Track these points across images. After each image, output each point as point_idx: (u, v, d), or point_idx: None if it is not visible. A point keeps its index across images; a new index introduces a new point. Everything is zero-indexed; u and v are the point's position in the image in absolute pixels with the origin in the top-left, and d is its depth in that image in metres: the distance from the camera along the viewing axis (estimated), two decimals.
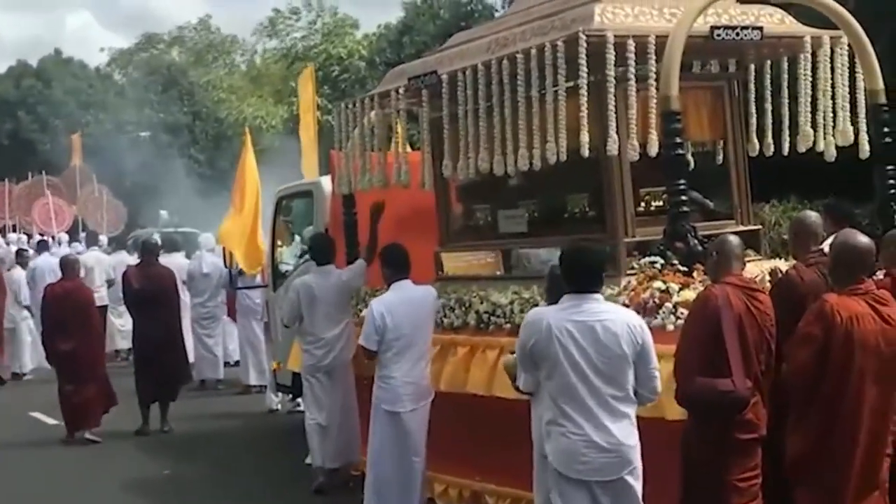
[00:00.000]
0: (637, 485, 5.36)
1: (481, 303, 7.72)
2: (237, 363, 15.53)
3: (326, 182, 10.55)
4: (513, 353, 6.34)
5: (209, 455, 10.83)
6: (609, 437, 5.26)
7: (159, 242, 13.92)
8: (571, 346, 5.25)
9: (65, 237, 23.34)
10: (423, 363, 7.68)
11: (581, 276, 5.42)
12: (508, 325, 7.42)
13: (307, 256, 11.31)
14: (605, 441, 5.25)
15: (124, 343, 16.87)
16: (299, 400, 10.91)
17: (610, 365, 5.27)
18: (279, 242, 12.07)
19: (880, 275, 6.45)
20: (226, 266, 13.31)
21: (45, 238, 21.86)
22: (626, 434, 5.31)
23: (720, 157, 8.10)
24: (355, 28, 37.75)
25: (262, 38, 44.23)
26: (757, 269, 6.92)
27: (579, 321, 5.28)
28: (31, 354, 16.67)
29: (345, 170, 9.29)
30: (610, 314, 5.39)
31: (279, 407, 12.69)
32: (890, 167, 7.51)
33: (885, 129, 7.52)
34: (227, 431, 12.18)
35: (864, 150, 7.63)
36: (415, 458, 7.62)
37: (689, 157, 8.23)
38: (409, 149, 9.53)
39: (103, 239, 21.49)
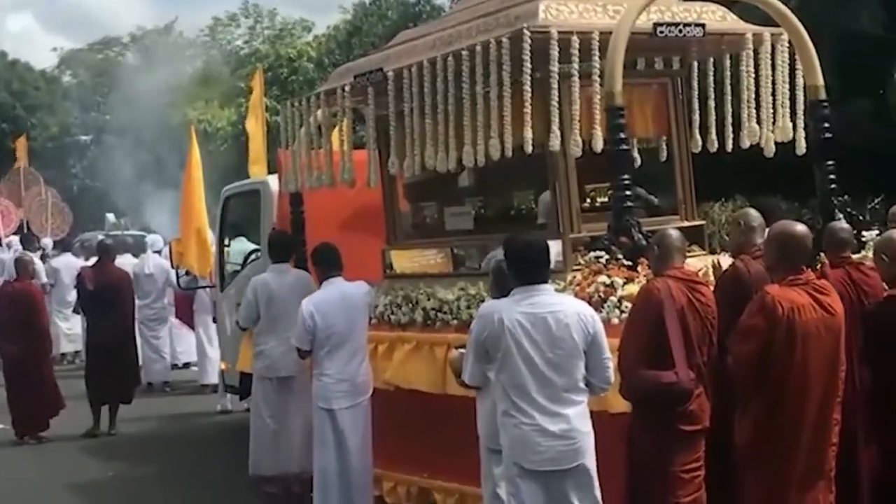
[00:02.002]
0: (593, 473, 5.41)
1: (428, 299, 7.73)
2: (186, 365, 15.45)
3: (273, 181, 10.51)
4: (458, 348, 6.38)
5: (156, 456, 10.76)
6: (562, 425, 5.30)
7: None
8: (524, 338, 5.28)
9: (14, 239, 23.02)
10: (357, 360, 7.66)
11: (529, 267, 5.45)
12: (455, 322, 7.44)
13: (255, 256, 11.30)
14: (558, 429, 5.29)
15: (70, 346, 16.71)
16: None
17: (562, 356, 5.31)
18: (226, 242, 12.00)
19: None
20: (172, 267, 13.21)
21: None
22: (580, 422, 5.36)
23: (664, 154, 8.17)
24: (308, 31, 37.68)
25: (204, 44, 44.10)
26: (700, 263, 6.98)
27: (531, 313, 5.32)
28: None
29: (291, 168, 9.26)
30: (561, 305, 5.44)
31: (230, 407, 12.62)
32: (829, 163, 7.61)
33: (825, 125, 7.62)
34: (174, 433, 12.12)
35: (801, 146, 7.75)
36: (354, 455, 7.58)
37: (635, 153, 8.32)
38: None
39: (47, 242, 21.20)
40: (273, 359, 8.67)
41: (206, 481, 9.60)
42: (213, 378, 13.84)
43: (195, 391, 14.34)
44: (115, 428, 11.88)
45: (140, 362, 13.46)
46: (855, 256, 6.67)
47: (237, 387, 11.14)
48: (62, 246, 20.45)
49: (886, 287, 5.87)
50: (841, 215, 7.40)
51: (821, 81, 7.64)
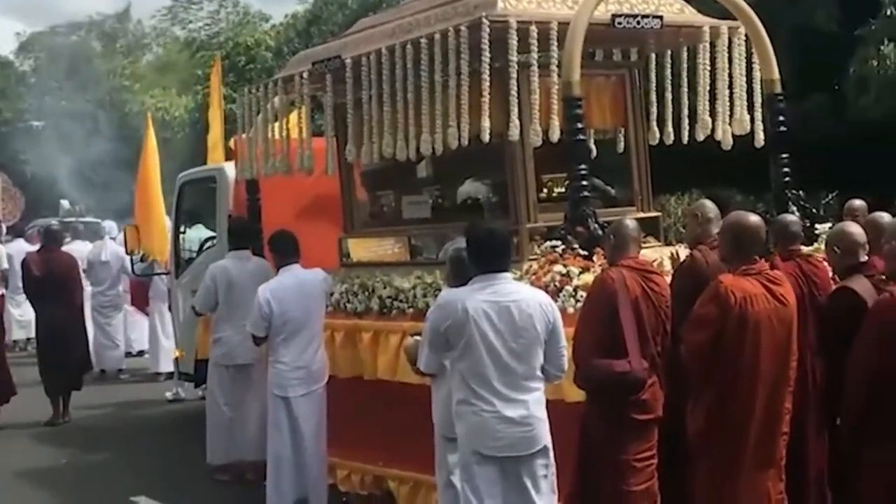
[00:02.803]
0: (550, 460, 5.43)
1: (384, 288, 7.71)
2: (140, 353, 15.33)
3: (230, 168, 10.45)
4: (413, 335, 6.37)
5: (109, 444, 10.69)
6: (521, 411, 5.31)
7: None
8: (487, 326, 5.28)
9: None
10: (313, 347, 7.65)
11: (490, 255, 5.44)
12: (411, 310, 7.43)
13: (210, 243, 11.23)
14: (517, 415, 5.30)
15: (22, 333, 16.54)
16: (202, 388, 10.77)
17: (524, 345, 5.33)
18: (182, 229, 11.92)
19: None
20: (127, 253, 13.11)
21: None
22: (537, 408, 5.39)
23: (622, 145, 8.20)
24: (265, 21, 37.47)
25: (162, 26, 43.76)
26: (656, 254, 7.02)
27: (494, 302, 5.32)
28: None
29: (248, 155, 9.21)
30: (522, 294, 5.45)
31: (184, 395, 12.54)
32: (784, 156, 7.69)
33: (781, 118, 7.69)
34: (128, 420, 12.05)
35: (759, 138, 7.81)
36: (308, 442, 7.57)
37: (592, 144, 8.35)
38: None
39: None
40: (231, 346, 8.66)
41: (159, 469, 9.55)
42: (166, 366, 13.75)
43: (149, 379, 14.23)
44: (68, 415, 11.79)
45: (92, 349, 13.36)
46: (807, 249, 6.74)
47: (192, 374, 11.08)
48: (14, 231, 20.23)
49: (838, 279, 5.92)
50: (794, 208, 7.49)
51: (777, 75, 7.71)
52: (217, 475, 8.85)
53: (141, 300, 14.81)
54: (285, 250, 7.79)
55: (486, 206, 7.93)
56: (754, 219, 5.46)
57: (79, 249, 14.76)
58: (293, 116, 9.00)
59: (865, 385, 4.74)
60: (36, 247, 14.08)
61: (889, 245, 4.90)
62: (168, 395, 12.71)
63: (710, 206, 6.47)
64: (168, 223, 12.44)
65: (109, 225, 15.23)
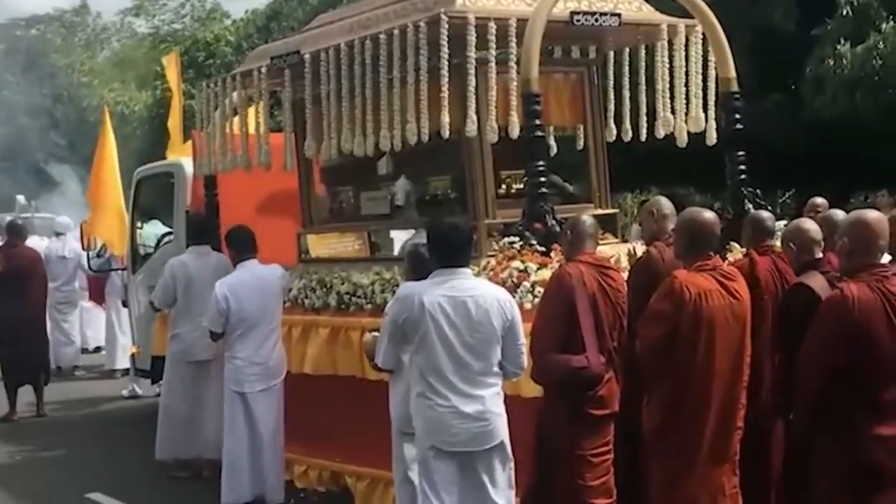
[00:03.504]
0: (507, 455, 5.44)
1: (342, 283, 7.70)
2: (97, 349, 15.21)
3: (188, 163, 10.38)
4: (371, 331, 6.37)
5: (65, 440, 10.60)
6: (477, 407, 5.31)
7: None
8: (443, 321, 5.28)
9: None
10: (270, 343, 7.63)
11: (450, 250, 5.44)
12: (370, 306, 7.42)
13: (167, 239, 11.16)
14: (473, 411, 5.30)
15: None
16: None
17: (480, 340, 5.33)
18: (139, 224, 11.83)
19: (739, 255, 6.68)
20: (84, 249, 12.99)
21: None
22: (494, 404, 5.39)
23: (580, 142, 8.23)
24: (226, 17, 37.26)
25: (127, 19, 43.34)
26: (613, 251, 7.06)
27: (451, 296, 5.32)
28: None
29: (206, 151, 9.16)
30: (480, 289, 5.45)
31: (140, 392, 12.46)
32: (740, 153, 7.74)
33: (737, 117, 7.75)
34: (84, 417, 11.96)
35: (712, 137, 7.87)
36: (265, 439, 7.55)
37: (551, 141, 8.39)
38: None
39: None
40: (189, 342, 8.61)
41: (115, 466, 9.47)
42: (123, 363, 13.64)
43: (105, 376, 14.14)
44: (42, 410, 11.76)
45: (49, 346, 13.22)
46: None
47: (148, 371, 11.00)
48: None
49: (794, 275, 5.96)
50: (751, 206, 7.55)
51: (733, 74, 7.76)
52: (174, 472, 8.79)
53: (99, 296, 14.69)
54: (242, 246, 7.76)
55: (446, 202, 7.93)
56: (709, 215, 5.49)
57: (35, 245, 14.59)
58: (252, 112, 8.96)
59: (816, 380, 4.77)
60: None
61: (841, 241, 4.94)
62: (124, 392, 12.63)
63: (665, 203, 6.49)
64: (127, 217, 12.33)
65: (63, 221, 15.05)
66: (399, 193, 8.10)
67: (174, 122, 12.91)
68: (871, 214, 5.06)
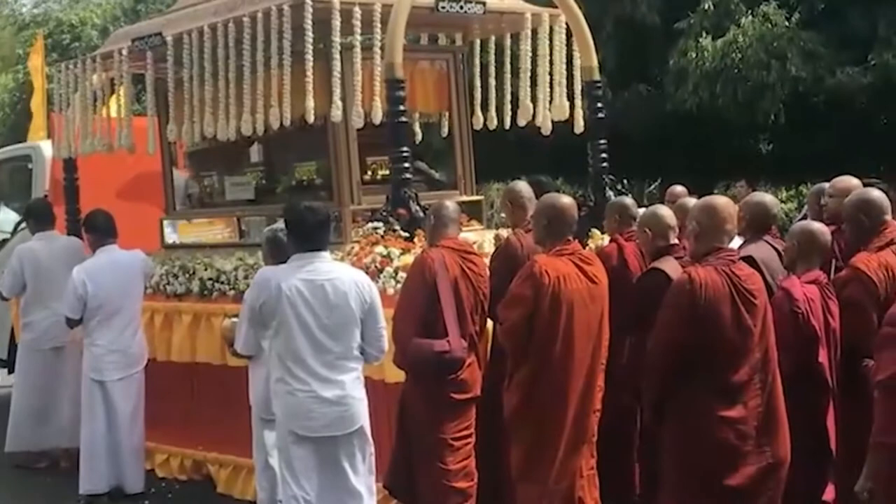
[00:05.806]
0: (367, 439, 5.44)
1: (205, 269, 7.61)
2: None
3: (46, 146, 10.12)
4: (230, 317, 6.31)
5: None
6: (337, 391, 5.31)
7: None
8: (301, 305, 5.26)
9: None
10: (130, 330, 7.50)
11: (308, 234, 5.41)
12: (233, 292, 7.36)
13: (25, 224, 10.83)
14: (333, 395, 5.29)
15: None
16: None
17: (338, 324, 5.32)
18: None
19: (600, 241, 6.80)
20: None
21: None
22: (354, 388, 5.39)
23: (446, 130, 8.27)
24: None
25: None
26: (478, 237, 7.13)
27: (308, 280, 5.30)
28: None
29: (65, 133, 8.93)
30: (338, 273, 5.44)
31: None
32: (602, 142, 7.88)
33: (599, 105, 7.88)
34: None
35: (579, 125, 7.99)
36: (124, 428, 7.42)
37: (417, 128, 8.41)
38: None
39: None
40: (41, 330, 8.38)
41: None
42: None
43: None
44: None
45: None
46: None
47: (5, 360, 10.68)
48: None
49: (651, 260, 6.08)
50: (612, 193, 7.69)
51: (595, 63, 7.89)
52: (30, 463, 8.56)
53: None
54: (102, 230, 7.59)
55: (311, 188, 7.89)
56: (566, 200, 5.57)
57: None
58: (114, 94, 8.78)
59: (663, 362, 4.88)
60: None
61: (691, 226, 5.06)
62: None
63: (524, 189, 6.54)
64: None
65: None
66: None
67: (36, 105, 12.59)
68: (720, 200, 5.20)
